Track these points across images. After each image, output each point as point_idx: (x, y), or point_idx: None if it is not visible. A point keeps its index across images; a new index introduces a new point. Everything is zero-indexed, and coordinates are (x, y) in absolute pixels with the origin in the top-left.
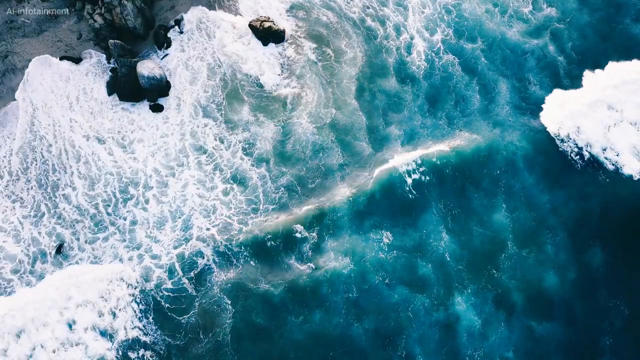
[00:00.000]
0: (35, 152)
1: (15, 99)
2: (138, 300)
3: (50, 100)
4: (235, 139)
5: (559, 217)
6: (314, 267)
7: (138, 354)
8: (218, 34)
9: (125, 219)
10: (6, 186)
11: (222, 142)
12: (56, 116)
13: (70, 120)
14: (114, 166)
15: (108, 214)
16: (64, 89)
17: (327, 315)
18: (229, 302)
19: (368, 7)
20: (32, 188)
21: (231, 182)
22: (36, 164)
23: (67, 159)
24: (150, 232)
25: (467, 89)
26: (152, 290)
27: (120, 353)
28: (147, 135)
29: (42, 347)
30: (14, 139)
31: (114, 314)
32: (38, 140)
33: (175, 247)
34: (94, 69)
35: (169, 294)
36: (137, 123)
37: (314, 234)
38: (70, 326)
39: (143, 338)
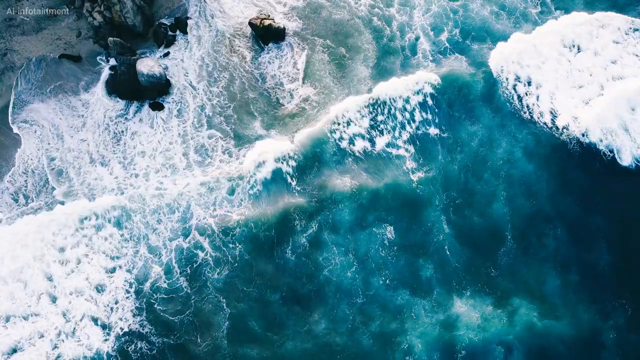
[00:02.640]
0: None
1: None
2: (134, 297)
3: (52, 118)
4: (245, 152)
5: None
6: (314, 265)
7: (135, 350)
8: (221, 34)
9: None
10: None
11: (230, 156)
12: (64, 136)
13: (78, 142)
14: (116, 184)
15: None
16: (62, 103)
17: (327, 319)
18: (224, 302)
19: (374, 7)
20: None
21: (237, 181)
22: (47, 188)
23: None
24: (148, 221)
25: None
26: (148, 287)
27: (117, 349)
28: (150, 151)
29: (40, 336)
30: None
31: (111, 309)
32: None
33: (171, 240)
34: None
35: (164, 295)
36: (139, 138)
37: (315, 227)
38: (65, 315)
39: (139, 335)
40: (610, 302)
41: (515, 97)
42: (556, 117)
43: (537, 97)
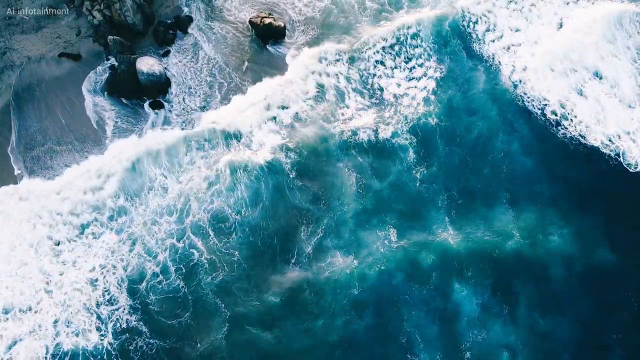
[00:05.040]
0: None
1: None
2: (131, 296)
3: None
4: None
5: None
6: (315, 267)
7: (136, 349)
8: (223, 35)
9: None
10: None
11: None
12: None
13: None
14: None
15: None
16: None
17: (326, 317)
18: (223, 306)
19: (382, 12)
20: None
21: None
22: None
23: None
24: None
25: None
26: (144, 286)
27: (117, 348)
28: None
29: (39, 329)
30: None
31: (107, 302)
32: None
33: (165, 239)
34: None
35: (161, 295)
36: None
37: (319, 230)
38: (62, 310)
39: (138, 334)
40: (615, 299)
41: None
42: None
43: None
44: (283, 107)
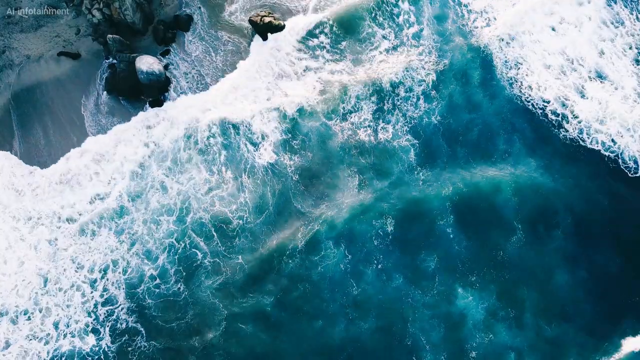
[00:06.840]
0: None
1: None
2: (130, 296)
3: None
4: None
5: None
6: (310, 265)
7: (134, 350)
8: (225, 35)
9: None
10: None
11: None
12: None
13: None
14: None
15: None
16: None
17: (325, 317)
18: (222, 307)
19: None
20: None
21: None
22: None
23: None
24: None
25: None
26: (144, 287)
27: (115, 348)
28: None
29: (38, 330)
30: None
31: (105, 302)
32: None
33: (166, 237)
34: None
35: (159, 299)
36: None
37: (317, 226)
38: (61, 310)
39: (136, 334)
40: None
41: None
42: None
43: None
44: (284, 100)
